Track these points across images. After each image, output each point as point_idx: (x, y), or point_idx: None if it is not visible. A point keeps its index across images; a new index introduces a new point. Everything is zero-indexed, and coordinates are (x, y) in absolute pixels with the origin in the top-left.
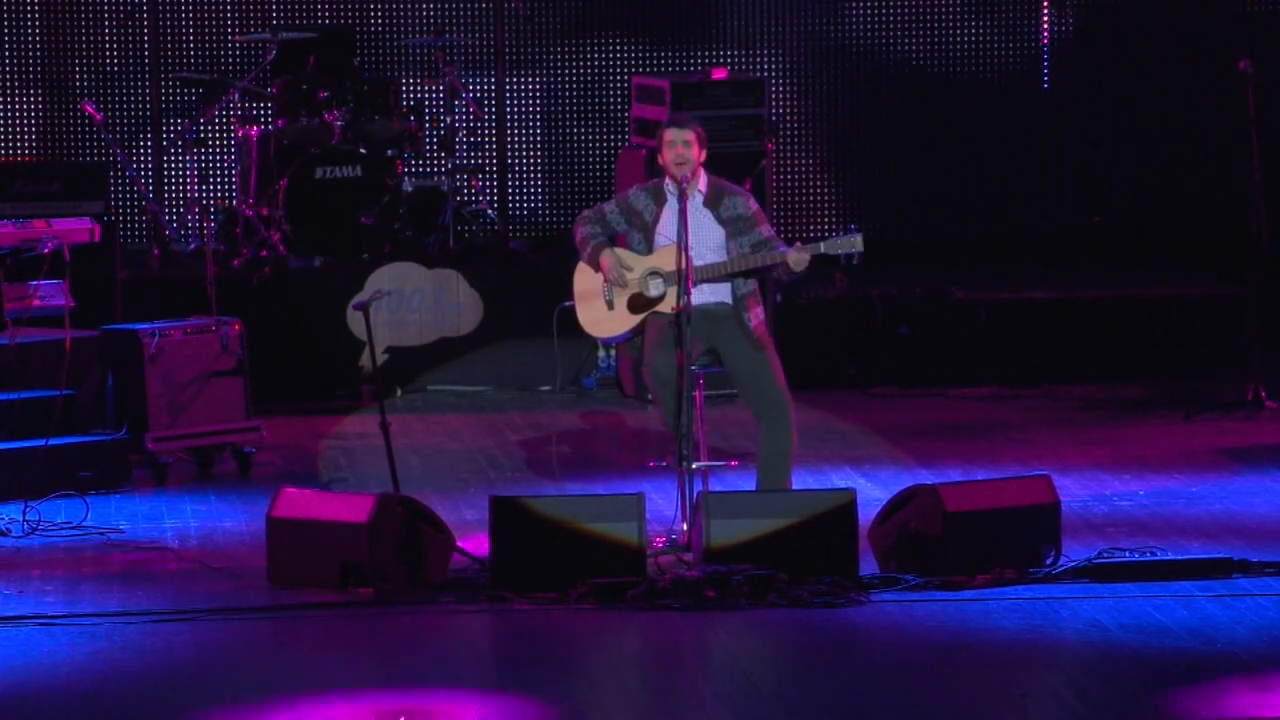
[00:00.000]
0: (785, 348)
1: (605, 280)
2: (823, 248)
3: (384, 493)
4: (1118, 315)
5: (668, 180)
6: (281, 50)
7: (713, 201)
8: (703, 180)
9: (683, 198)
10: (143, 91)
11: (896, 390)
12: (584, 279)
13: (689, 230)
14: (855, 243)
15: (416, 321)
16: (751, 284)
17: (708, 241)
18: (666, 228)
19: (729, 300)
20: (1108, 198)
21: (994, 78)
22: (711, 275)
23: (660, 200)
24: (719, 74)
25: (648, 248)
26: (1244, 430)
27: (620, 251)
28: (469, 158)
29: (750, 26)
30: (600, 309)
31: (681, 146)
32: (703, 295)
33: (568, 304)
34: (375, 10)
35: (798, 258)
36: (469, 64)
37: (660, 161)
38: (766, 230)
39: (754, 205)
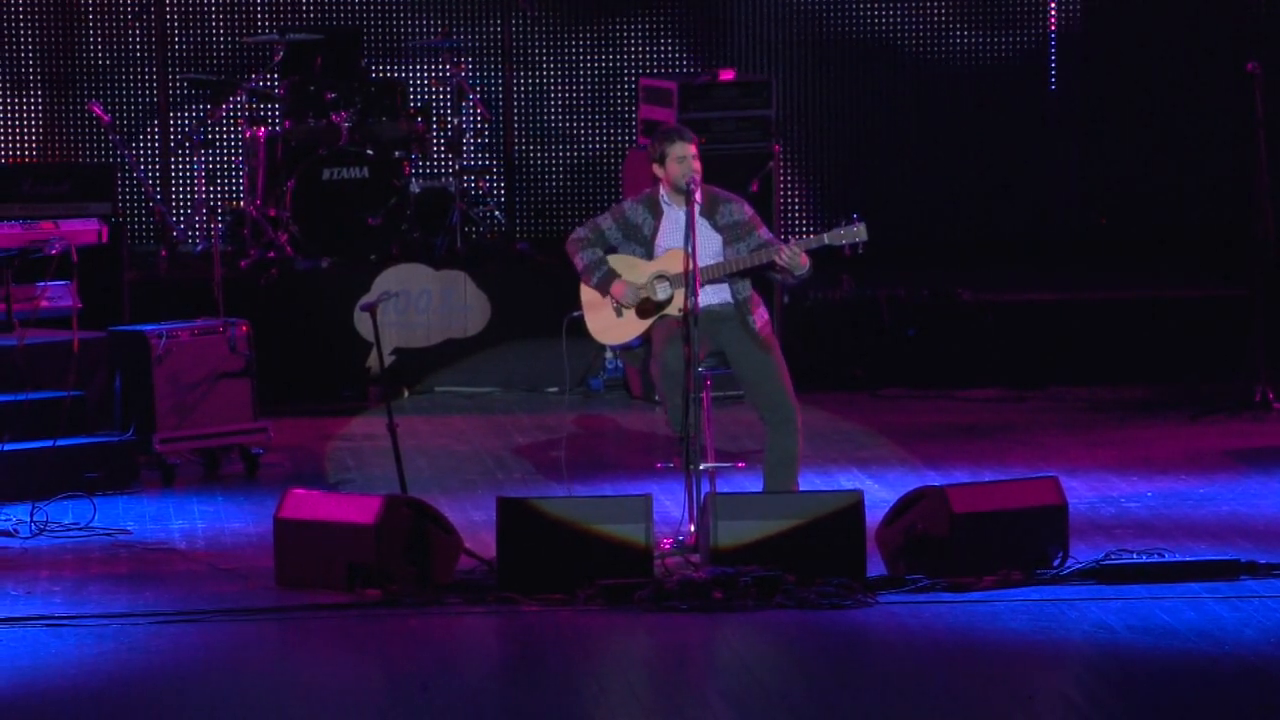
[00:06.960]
0: (792, 349)
1: (618, 304)
2: (826, 239)
3: (391, 494)
4: (1124, 317)
5: (663, 192)
6: (289, 51)
7: (708, 210)
8: (698, 190)
9: (690, 201)
10: (150, 92)
11: (903, 391)
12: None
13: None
14: (859, 231)
15: (424, 323)
16: (750, 286)
17: (706, 249)
18: (666, 238)
19: (731, 300)
20: (1114, 199)
21: (1001, 79)
22: (713, 275)
23: (657, 212)
24: (726, 75)
25: (649, 259)
26: (1251, 432)
27: (625, 258)
28: (476, 159)
29: (758, 27)
30: (609, 316)
31: (691, 160)
32: (706, 297)
33: (576, 313)
34: (383, 11)
35: (791, 253)
36: (476, 65)
37: (661, 174)
38: (764, 233)
39: (749, 210)
